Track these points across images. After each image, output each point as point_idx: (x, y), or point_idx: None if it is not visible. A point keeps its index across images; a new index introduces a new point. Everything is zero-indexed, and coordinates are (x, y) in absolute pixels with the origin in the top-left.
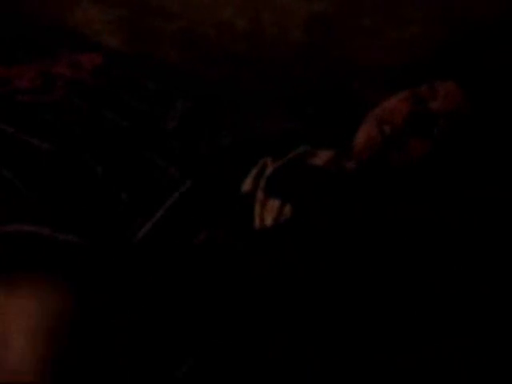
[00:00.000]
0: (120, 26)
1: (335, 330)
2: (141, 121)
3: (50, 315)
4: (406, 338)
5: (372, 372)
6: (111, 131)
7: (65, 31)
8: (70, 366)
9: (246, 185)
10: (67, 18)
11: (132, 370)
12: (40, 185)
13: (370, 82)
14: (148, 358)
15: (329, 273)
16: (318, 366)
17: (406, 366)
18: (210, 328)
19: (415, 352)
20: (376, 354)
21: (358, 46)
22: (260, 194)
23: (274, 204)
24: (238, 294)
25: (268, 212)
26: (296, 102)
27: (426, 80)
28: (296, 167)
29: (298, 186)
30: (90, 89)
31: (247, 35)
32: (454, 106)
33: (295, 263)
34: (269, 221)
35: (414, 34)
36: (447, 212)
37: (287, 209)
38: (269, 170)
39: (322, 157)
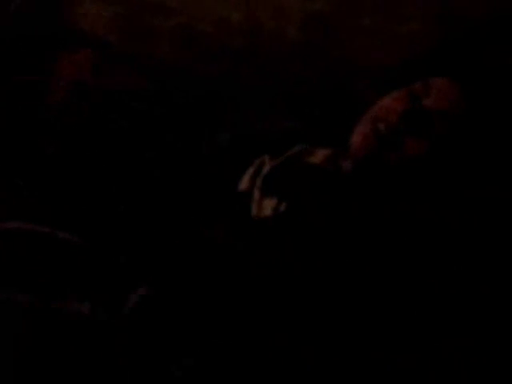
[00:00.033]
0: (118, 23)
1: (334, 329)
2: (141, 121)
3: None
4: (405, 337)
5: (371, 371)
6: (112, 131)
7: (65, 29)
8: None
9: (243, 183)
10: (67, 16)
11: (132, 370)
12: (41, 185)
13: (369, 81)
14: (148, 357)
15: (327, 272)
16: (317, 365)
17: (405, 366)
18: (209, 328)
19: (414, 352)
20: (375, 353)
21: (356, 46)
22: (256, 193)
23: (271, 202)
24: (238, 294)
25: (264, 211)
26: (295, 101)
27: (424, 78)
28: (293, 166)
29: (295, 184)
30: (91, 89)
31: (245, 31)
32: (448, 103)
33: (293, 263)
34: None
35: (414, 32)
36: (446, 212)
37: (283, 207)
38: (266, 169)
39: (319, 156)
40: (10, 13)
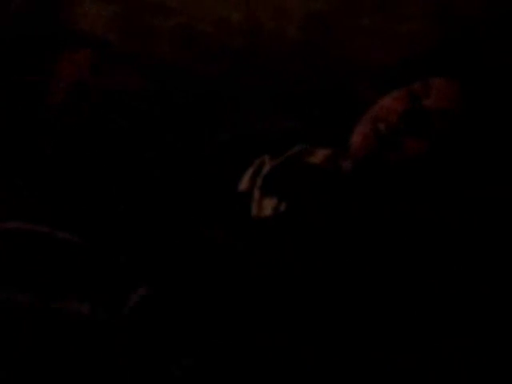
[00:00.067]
0: (118, 23)
1: (334, 329)
2: (141, 121)
3: None
4: (405, 337)
5: (370, 371)
6: (112, 131)
7: (65, 29)
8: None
9: (243, 183)
10: (67, 16)
11: (132, 370)
12: (41, 185)
13: (368, 81)
14: (147, 357)
15: (327, 272)
16: (317, 365)
17: (405, 366)
18: (209, 327)
19: (414, 351)
20: (374, 353)
21: (356, 45)
22: (256, 193)
23: (271, 202)
24: (238, 294)
25: (264, 211)
26: (295, 101)
27: (423, 78)
28: (293, 166)
29: (295, 184)
30: (91, 89)
31: (245, 31)
32: (448, 102)
33: (293, 263)
34: None
35: (413, 32)
36: (446, 211)
37: (283, 207)
38: (266, 169)
39: (319, 156)
40: (10, 13)
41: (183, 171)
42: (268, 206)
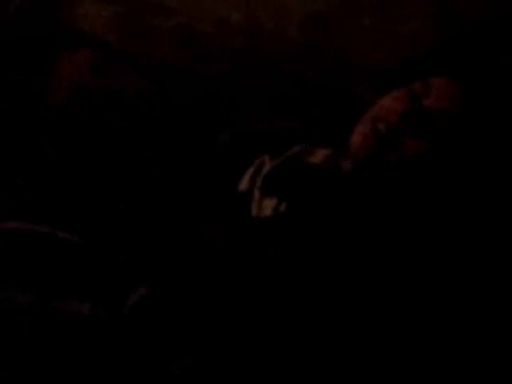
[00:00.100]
0: (118, 23)
1: (333, 328)
2: (141, 121)
3: None
4: (403, 336)
5: (369, 370)
6: (112, 131)
7: (65, 29)
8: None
9: (243, 183)
10: (67, 16)
11: (132, 369)
12: (41, 185)
13: (368, 81)
14: (147, 356)
15: (326, 272)
16: (316, 364)
17: (403, 365)
18: (209, 327)
19: (412, 351)
20: (372, 352)
21: (356, 45)
22: (256, 193)
23: (271, 202)
24: (238, 294)
25: (264, 211)
26: (295, 101)
27: (423, 77)
28: (293, 166)
29: (295, 184)
30: (91, 89)
31: (245, 31)
32: (448, 102)
33: (293, 263)
34: None
35: (413, 32)
36: (444, 211)
37: (283, 207)
38: (266, 169)
39: (319, 156)
40: (10, 13)
41: (183, 171)
42: (268, 206)
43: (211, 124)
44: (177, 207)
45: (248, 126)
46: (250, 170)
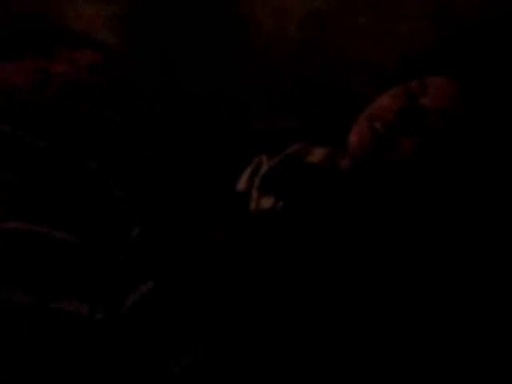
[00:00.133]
0: (117, 23)
1: (332, 328)
2: (140, 121)
3: None
4: (402, 336)
5: (368, 370)
6: (111, 131)
7: (64, 29)
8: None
9: (241, 183)
10: (66, 15)
11: (131, 369)
12: (38, 183)
13: (366, 80)
14: (147, 354)
15: (325, 271)
16: (315, 363)
17: (402, 365)
18: (208, 325)
19: (411, 350)
20: (372, 351)
21: (354, 44)
22: (255, 193)
23: (269, 201)
24: (237, 294)
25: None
26: (294, 100)
27: (421, 76)
28: (291, 165)
29: (293, 183)
30: (88, 87)
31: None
32: (445, 101)
33: (292, 262)
34: None
35: (411, 31)
36: (442, 210)
37: (281, 206)
38: (264, 168)
39: (317, 154)
40: (10, 12)
41: (183, 171)
42: (266, 205)
43: (211, 124)
44: (176, 207)
45: (247, 125)
46: (248, 170)
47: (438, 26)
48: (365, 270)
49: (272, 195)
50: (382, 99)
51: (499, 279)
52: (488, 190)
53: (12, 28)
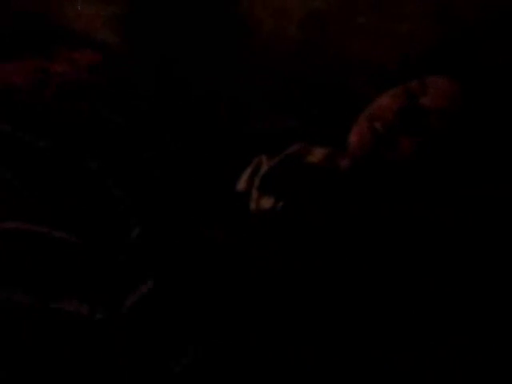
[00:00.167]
0: (117, 23)
1: (332, 328)
2: (140, 121)
3: None
4: (402, 336)
5: (368, 370)
6: (110, 131)
7: (64, 29)
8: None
9: (241, 183)
10: (66, 15)
11: (131, 367)
12: (38, 183)
13: (368, 80)
14: (147, 353)
15: (325, 271)
16: (315, 363)
17: (402, 365)
18: (208, 325)
19: (411, 350)
20: (372, 351)
21: (354, 44)
22: (255, 193)
23: (269, 202)
24: (237, 294)
25: (262, 210)
26: (294, 100)
27: (420, 76)
28: (291, 165)
29: (293, 183)
30: (87, 87)
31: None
32: (445, 101)
33: (292, 262)
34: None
35: (411, 31)
36: (442, 210)
37: (281, 207)
38: (264, 168)
39: (317, 154)
40: (10, 11)
41: (182, 171)
42: (266, 205)
43: (211, 123)
44: (176, 207)
45: (247, 125)
46: (248, 170)
47: (438, 26)
48: (365, 269)
49: (272, 195)
50: (382, 99)
51: (499, 279)
52: (488, 190)
53: (12, 28)
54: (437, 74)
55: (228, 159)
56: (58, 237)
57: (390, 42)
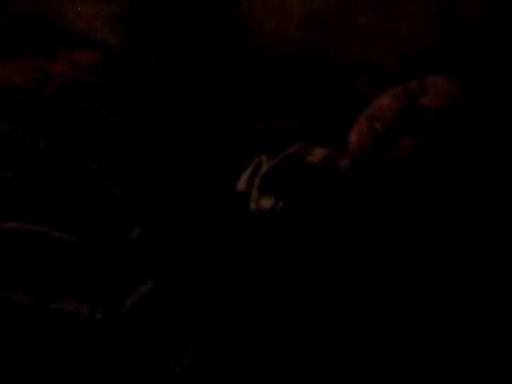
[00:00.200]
0: (117, 23)
1: (332, 327)
2: (140, 121)
3: None
4: (402, 336)
5: (368, 370)
6: (110, 131)
7: (63, 29)
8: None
9: (241, 183)
10: (66, 15)
11: (131, 367)
12: (38, 183)
13: (368, 80)
14: (147, 354)
15: (325, 271)
16: (315, 363)
17: (402, 365)
18: (209, 325)
19: (411, 350)
20: (372, 351)
21: (354, 44)
22: (255, 193)
23: (269, 202)
24: (237, 294)
25: (263, 210)
26: (294, 100)
27: (420, 76)
28: (291, 165)
29: (293, 183)
30: (87, 87)
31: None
32: (445, 101)
33: (292, 263)
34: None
35: (411, 30)
36: (442, 210)
37: (281, 207)
38: (264, 168)
39: (317, 154)
40: (10, 11)
41: (182, 171)
42: (266, 205)
43: (210, 123)
44: (176, 207)
45: (247, 125)
46: (248, 170)
47: (438, 26)
48: (365, 269)
49: (272, 195)
50: (382, 99)
51: (499, 279)
52: (488, 190)
53: (12, 28)
54: (437, 73)
55: (228, 159)
56: (58, 237)
57: (390, 42)
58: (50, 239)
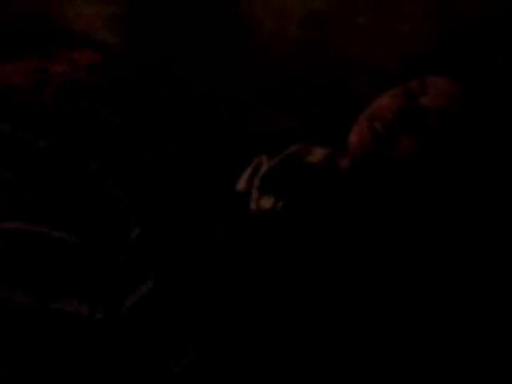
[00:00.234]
0: (117, 23)
1: (332, 327)
2: (140, 121)
3: None
4: (402, 336)
5: (368, 370)
6: (110, 132)
7: (63, 29)
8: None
9: (241, 183)
10: (66, 15)
11: (131, 367)
12: (38, 183)
13: (368, 80)
14: (147, 353)
15: (325, 271)
16: (315, 363)
17: (402, 365)
18: (209, 325)
19: (411, 350)
20: (372, 351)
21: (354, 44)
22: (255, 193)
23: (269, 202)
24: (237, 293)
25: (263, 210)
26: (294, 100)
27: (420, 76)
28: (291, 165)
29: (293, 183)
30: (87, 87)
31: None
32: (445, 101)
33: (292, 263)
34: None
35: (411, 30)
36: (442, 210)
37: (281, 206)
38: (264, 168)
39: (317, 154)
40: (10, 11)
41: (182, 171)
42: (266, 205)
43: (210, 123)
44: (176, 207)
45: (247, 125)
46: (248, 170)
47: (438, 26)
48: (365, 269)
49: (272, 195)
50: (381, 99)
51: (499, 279)
52: (488, 190)
53: (12, 28)
54: (437, 74)
55: (228, 159)
56: (58, 237)
57: (390, 42)
58: (49, 239)
